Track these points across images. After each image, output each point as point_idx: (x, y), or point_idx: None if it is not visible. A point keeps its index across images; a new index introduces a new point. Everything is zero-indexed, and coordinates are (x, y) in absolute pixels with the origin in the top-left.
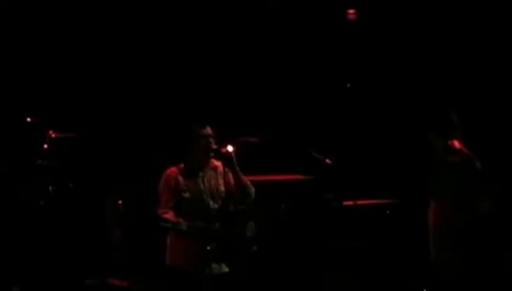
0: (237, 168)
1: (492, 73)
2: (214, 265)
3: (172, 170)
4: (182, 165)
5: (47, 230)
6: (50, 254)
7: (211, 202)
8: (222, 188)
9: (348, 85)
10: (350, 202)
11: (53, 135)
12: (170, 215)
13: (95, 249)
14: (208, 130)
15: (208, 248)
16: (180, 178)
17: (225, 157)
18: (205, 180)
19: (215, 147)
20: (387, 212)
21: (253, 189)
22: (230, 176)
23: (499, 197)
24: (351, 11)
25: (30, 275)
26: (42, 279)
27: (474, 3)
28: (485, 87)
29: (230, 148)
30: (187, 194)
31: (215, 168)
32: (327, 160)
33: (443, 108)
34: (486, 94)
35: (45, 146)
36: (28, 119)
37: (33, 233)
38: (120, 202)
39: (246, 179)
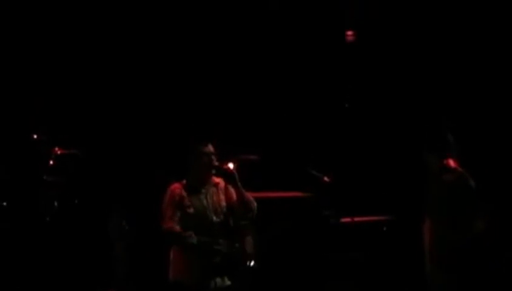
0: (239, 185)
1: (487, 94)
2: (218, 279)
3: (176, 186)
4: (184, 182)
5: (51, 244)
6: (54, 266)
7: (214, 217)
8: (223, 203)
9: (346, 105)
10: (348, 219)
11: (59, 152)
12: (177, 229)
13: (97, 262)
14: (210, 148)
15: (214, 261)
16: (184, 194)
17: (228, 175)
18: (208, 196)
19: (216, 164)
20: (384, 229)
21: (255, 204)
22: (232, 191)
23: (493, 216)
24: (349, 32)
25: (35, 286)
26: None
27: (466, 26)
28: (480, 108)
29: (230, 166)
30: (191, 210)
31: (216, 184)
32: (326, 178)
33: (439, 129)
34: (480, 115)
35: (51, 162)
36: (35, 136)
37: (38, 248)
38: (123, 218)
39: (249, 195)
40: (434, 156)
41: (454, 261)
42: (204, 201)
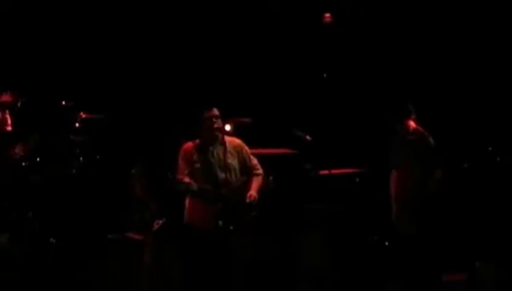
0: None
1: (444, 72)
2: (221, 223)
3: (188, 145)
4: (197, 141)
5: (78, 194)
6: (80, 213)
7: (218, 172)
8: (229, 161)
9: (324, 75)
10: (326, 172)
11: (84, 116)
12: (184, 180)
13: (116, 209)
14: (214, 112)
15: (217, 207)
16: (194, 151)
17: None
18: (215, 154)
19: (217, 126)
20: (357, 180)
21: (262, 174)
22: (243, 156)
23: (447, 167)
24: (327, 15)
25: (64, 229)
26: (73, 233)
27: (441, 6)
28: (438, 82)
29: (227, 127)
30: (198, 165)
31: (223, 143)
32: (307, 137)
33: (401, 98)
34: (438, 87)
35: (77, 125)
36: (63, 103)
37: (66, 197)
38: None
39: (261, 182)
40: (398, 119)
41: (417, 204)
42: (211, 159)
